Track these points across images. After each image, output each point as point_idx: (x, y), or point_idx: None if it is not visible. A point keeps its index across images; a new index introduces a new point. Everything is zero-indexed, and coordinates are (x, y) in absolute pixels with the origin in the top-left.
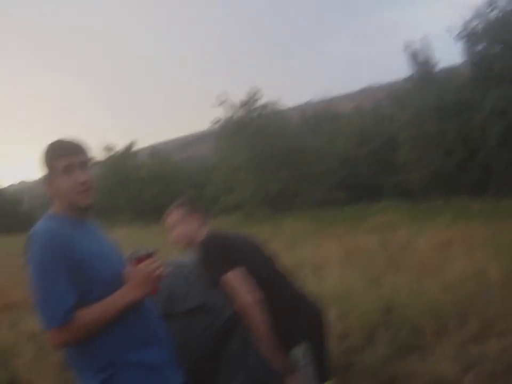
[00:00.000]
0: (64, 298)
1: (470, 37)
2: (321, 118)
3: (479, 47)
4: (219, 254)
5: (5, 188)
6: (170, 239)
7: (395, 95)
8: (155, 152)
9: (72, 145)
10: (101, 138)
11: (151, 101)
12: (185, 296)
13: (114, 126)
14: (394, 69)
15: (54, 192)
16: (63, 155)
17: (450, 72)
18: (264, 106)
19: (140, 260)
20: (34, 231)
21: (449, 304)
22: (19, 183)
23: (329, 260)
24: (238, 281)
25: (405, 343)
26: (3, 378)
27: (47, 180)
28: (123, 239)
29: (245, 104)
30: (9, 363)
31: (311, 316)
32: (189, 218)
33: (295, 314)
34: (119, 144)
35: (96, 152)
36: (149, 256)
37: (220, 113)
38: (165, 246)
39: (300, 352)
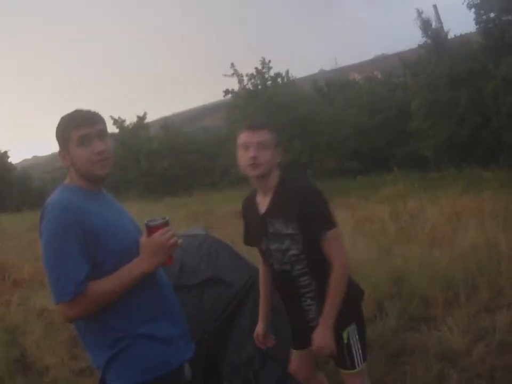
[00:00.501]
0: (76, 271)
1: (481, 5)
2: (333, 87)
3: (491, 15)
4: (328, 206)
5: (17, 163)
6: (253, 155)
7: (407, 63)
8: (167, 124)
9: (88, 115)
10: (111, 111)
11: (161, 73)
12: (197, 268)
13: (125, 99)
14: (406, 37)
15: (70, 163)
16: (79, 125)
17: (463, 40)
18: (276, 76)
19: (153, 229)
20: (48, 202)
21: (460, 275)
22: (32, 158)
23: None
24: (341, 239)
25: (415, 314)
26: (13, 355)
27: (63, 151)
28: (135, 214)
29: (256, 74)
30: (19, 340)
31: (360, 298)
32: (275, 149)
33: (350, 295)
34: (130, 117)
35: (107, 126)
36: (162, 225)
37: (231, 84)
38: (177, 219)
39: (352, 332)
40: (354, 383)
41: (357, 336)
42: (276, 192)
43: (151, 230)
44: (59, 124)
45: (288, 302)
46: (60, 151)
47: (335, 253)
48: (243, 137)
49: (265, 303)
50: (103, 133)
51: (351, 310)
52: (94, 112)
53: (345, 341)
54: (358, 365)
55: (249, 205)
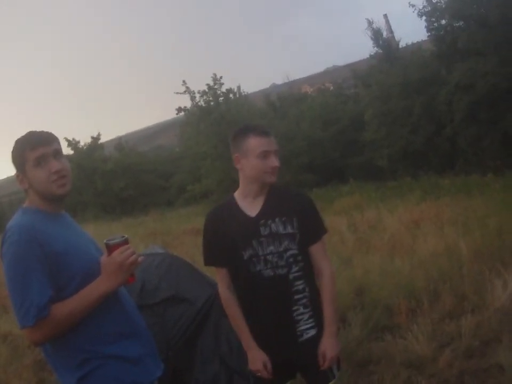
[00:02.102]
0: (39, 295)
1: (432, 12)
2: (286, 101)
3: (442, 22)
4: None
5: None
6: (277, 165)
7: (358, 74)
8: (121, 144)
9: (42, 136)
10: (65, 133)
11: (114, 93)
12: (158, 286)
13: (79, 120)
14: (357, 48)
15: (29, 185)
16: (34, 147)
17: (414, 48)
18: (228, 92)
19: (113, 248)
20: (9, 226)
21: (422, 282)
22: None
23: None
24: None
25: (379, 323)
26: None
27: (20, 174)
28: (93, 235)
29: (208, 90)
30: None
31: None
32: None
33: None
34: (84, 138)
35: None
36: (122, 243)
37: (184, 102)
38: (135, 238)
39: None
40: None
41: None
42: (270, 194)
43: (110, 248)
44: (14, 148)
45: (274, 317)
46: (17, 175)
47: (326, 257)
48: (261, 144)
49: (248, 330)
50: (58, 152)
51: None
52: (48, 132)
53: None
54: (336, 374)
55: (227, 214)
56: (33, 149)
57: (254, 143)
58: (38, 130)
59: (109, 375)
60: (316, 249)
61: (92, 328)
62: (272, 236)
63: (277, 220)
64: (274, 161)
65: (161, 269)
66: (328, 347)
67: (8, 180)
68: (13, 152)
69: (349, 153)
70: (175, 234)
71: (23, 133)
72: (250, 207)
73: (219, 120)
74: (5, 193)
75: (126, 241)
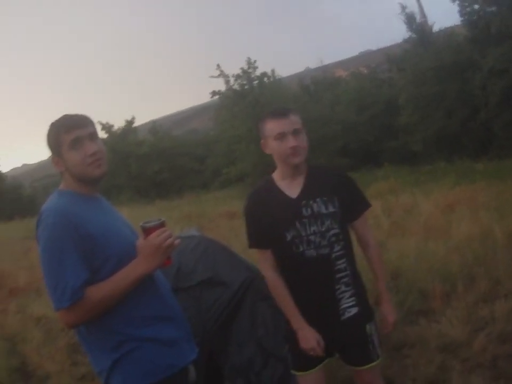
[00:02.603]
0: (74, 277)
1: None
2: (320, 85)
3: (475, 7)
4: None
5: (7, 172)
6: (295, 144)
7: (392, 58)
8: (155, 127)
9: (78, 119)
10: (100, 116)
11: (149, 77)
12: (194, 269)
13: (113, 104)
14: (390, 32)
15: (64, 168)
16: (70, 129)
17: (448, 33)
18: (262, 75)
19: (150, 230)
20: (44, 208)
21: (457, 267)
22: (22, 166)
23: None
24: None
25: (413, 307)
26: (13, 363)
27: (56, 156)
28: (127, 217)
29: (242, 74)
30: (19, 348)
31: None
32: (304, 132)
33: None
34: (119, 122)
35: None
36: (159, 226)
37: (218, 85)
38: (170, 221)
39: (373, 326)
40: (375, 375)
41: (375, 329)
42: (309, 174)
43: (147, 231)
44: (49, 131)
45: (317, 296)
46: (52, 158)
47: (370, 231)
48: (276, 127)
49: (296, 307)
50: (94, 134)
51: (370, 305)
52: (83, 115)
53: (369, 333)
54: (380, 354)
55: (268, 195)
56: (69, 131)
57: (270, 126)
58: (72, 113)
59: (144, 358)
60: (359, 223)
61: (127, 310)
62: (314, 216)
63: (318, 200)
64: (291, 141)
65: (197, 251)
66: (389, 312)
67: (40, 164)
68: (48, 135)
69: (383, 138)
70: (210, 217)
71: (58, 117)
72: (290, 188)
73: (253, 104)
74: (37, 177)
75: (162, 224)
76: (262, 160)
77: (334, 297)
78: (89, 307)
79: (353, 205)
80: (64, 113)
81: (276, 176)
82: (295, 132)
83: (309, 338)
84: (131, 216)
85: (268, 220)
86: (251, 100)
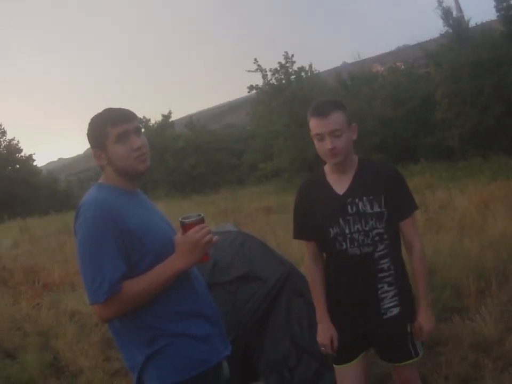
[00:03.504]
0: (112, 271)
1: None
2: (357, 80)
3: (511, 2)
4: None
5: (43, 166)
6: (331, 147)
7: (429, 53)
8: (192, 122)
9: (124, 112)
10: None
11: (185, 71)
12: (230, 265)
13: (150, 98)
14: (427, 27)
15: (107, 161)
16: (117, 122)
17: (484, 28)
18: (299, 70)
19: (188, 226)
20: (83, 201)
21: (491, 264)
22: (58, 160)
23: None
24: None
25: (447, 304)
26: (47, 359)
27: (99, 150)
28: (164, 212)
29: (280, 69)
30: (52, 343)
31: None
32: (349, 128)
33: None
34: (155, 117)
35: None
36: (198, 222)
37: (255, 80)
38: (206, 216)
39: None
40: (413, 371)
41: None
42: (357, 171)
43: (186, 227)
44: (93, 123)
45: (359, 294)
46: (95, 151)
47: (416, 232)
48: (315, 127)
49: (325, 304)
50: (139, 129)
51: (414, 306)
52: (128, 109)
53: (409, 331)
54: (420, 351)
55: (316, 188)
56: (116, 124)
57: (312, 124)
58: (117, 107)
59: (178, 353)
60: (405, 225)
61: (161, 306)
62: (359, 215)
63: (364, 198)
64: (327, 144)
65: (233, 247)
66: (425, 320)
67: (76, 159)
68: (91, 128)
69: (420, 133)
70: (247, 213)
71: (96, 112)
72: (338, 183)
73: (291, 99)
74: (73, 172)
75: (201, 220)
76: (299, 155)
77: (376, 296)
78: (125, 302)
79: (400, 206)
80: (108, 107)
81: (327, 168)
82: (334, 134)
83: (325, 333)
84: (167, 210)
85: (313, 214)
86: (288, 95)
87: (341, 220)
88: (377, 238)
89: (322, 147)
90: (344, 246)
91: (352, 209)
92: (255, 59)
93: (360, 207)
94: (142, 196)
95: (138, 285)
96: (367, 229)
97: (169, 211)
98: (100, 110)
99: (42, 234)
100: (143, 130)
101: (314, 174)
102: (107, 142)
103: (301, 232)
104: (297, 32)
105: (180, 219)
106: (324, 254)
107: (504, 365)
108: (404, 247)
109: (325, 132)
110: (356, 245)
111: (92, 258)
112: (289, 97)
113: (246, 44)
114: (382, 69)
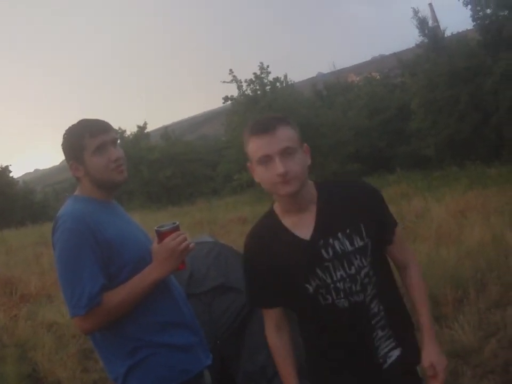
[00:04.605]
0: (91, 283)
1: (477, 1)
2: (332, 90)
3: (487, 11)
4: None
5: (19, 177)
6: (282, 171)
7: (405, 63)
8: (167, 133)
9: (101, 124)
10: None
11: (160, 82)
12: (206, 275)
13: (125, 109)
14: (402, 37)
15: (84, 173)
16: (95, 134)
17: (460, 37)
18: (274, 81)
19: (164, 234)
20: (60, 213)
21: (469, 272)
22: (34, 171)
23: None
24: None
25: None
26: (24, 370)
27: (75, 162)
28: (140, 224)
29: (255, 79)
30: (30, 355)
31: None
32: (302, 148)
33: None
34: (131, 128)
35: None
36: (173, 230)
37: (230, 91)
38: (182, 227)
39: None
40: None
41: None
42: (320, 203)
43: (161, 235)
44: (69, 135)
45: (352, 350)
46: (71, 163)
47: (408, 251)
48: (258, 148)
49: (297, 379)
50: (116, 140)
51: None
52: (104, 120)
53: (420, 375)
54: None
55: (272, 238)
56: (94, 136)
57: (252, 147)
58: (93, 118)
59: (160, 363)
60: (393, 247)
61: (142, 316)
62: (338, 258)
63: (339, 235)
64: (277, 167)
65: (210, 257)
66: (435, 355)
67: (52, 170)
68: (67, 140)
69: (395, 142)
70: (222, 223)
71: (70, 123)
72: (299, 225)
73: (266, 109)
74: (49, 183)
75: (177, 228)
76: None
77: (372, 346)
78: (105, 313)
79: (383, 229)
80: (85, 119)
81: (278, 210)
82: (285, 152)
83: None
84: (142, 222)
85: (277, 271)
86: (263, 105)
87: (318, 270)
88: (366, 281)
89: (270, 173)
90: (330, 299)
91: (328, 253)
92: (230, 70)
93: (337, 248)
94: (118, 207)
95: (118, 295)
96: (352, 272)
97: (144, 222)
98: (75, 121)
99: (19, 246)
100: (118, 141)
101: (265, 218)
102: (84, 154)
103: (261, 299)
104: (273, 43)
105: (155, 228)
106: (300, 317)
107: (483, 372)
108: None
109: (273, 151)
110: (342, 295)
111: (71, 271)
112: (264, 107)
113: (222, 54)
114: (358, 79)
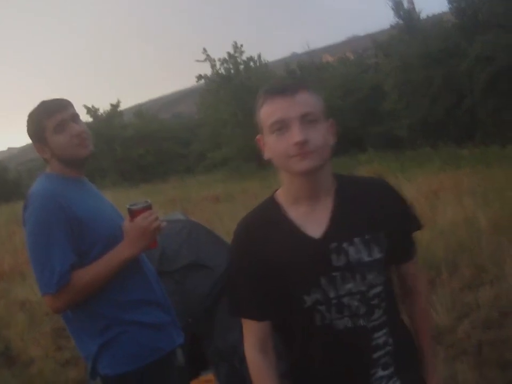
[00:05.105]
0: (61, 262)
1: None
2: (306, 70)
3: None
4: None
5: None
6: (302, 138)
7: (380, 44)
8: (141, 111)
9: (57, 102)
10: (85, 100)
11: (135, 60)
12: (178, 253)
13: (98, 87)
14: (377, 18)
15: (50, 154)
16: (52, 114)
17: (435, 20)
18: (248, 60)
19: (136, 213)
20: (31, 191)
21: (441, 253)
22: (7, 150)
23: None
24: None
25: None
26: None
27: (40, 144)
28: (112, 201)
29: (228, 58)
30: (3, 333)
31: None
32: (326, 121)
33: None
34: (104, 106)
35: (80, 115)
36: (145, 209)
37: (204, 69)
38: (154, 205)
39: None
40: None
41: None
42: (340, 198)
43: (133, 213)
44: (30, 120)
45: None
46: (37, 146)
47: (422, 275)
48: (273, 112)
49: None
50: (75, 115)
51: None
52: (61, 98)
53: None
54: None
55: (271, 232)
56: (51, 116)
57: (265, 111)
58: (51, 98)
59: (132, 341)
60: (408, 265)
61: (113, 294)
62: (351, 269)
63: (356, 240)
64: (294, 135)
65: (181, 235)
66: None
67: (26, 148)
68: (29, 124)
69: (368, 123)
70: (195, 201)
71: (35, 105)
72: (309, 219)
73: (239, 88)
74: (23, 161)
75: (149, 207)
76: (247, 144)
77: None
78: (76, 291)
79: (405, 243)
80: (42, 100)
81: (283, 196)
82: (305, 120)
83: None
84: (115, 199)
85: (271, 274)
86: (237, 84)
87: (323, 280)
88: (375, 302)
89: (285, 143)
90: (328, 319)
91: (339, 260)
92: (204, 49)
93: (351, 256)
94: (89, 184)
95: (88, 274)
96: (363, 289)
97: (117, 200)
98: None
99: None
100: (91, 120)
101: (264, 207)
102: (46, 135)
103: (247, 307)
104: (247, 22)
105: (127, 206)
106: (287, 336)
107: (456, 353)
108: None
109: (291, 116)
110: (346, 314)
111: (41, 249)
112: (237, 86)
113: (196, 33)
114: (332, 59)
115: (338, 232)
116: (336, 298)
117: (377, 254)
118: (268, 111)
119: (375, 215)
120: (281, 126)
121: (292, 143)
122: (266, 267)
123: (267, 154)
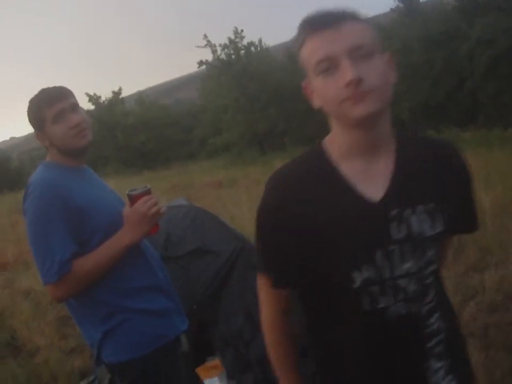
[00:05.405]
0: (62, 251)
1: None
2: None
3: None
4: None
5: None
6: (354, 76)
7: (380, 27)
8: (142, 98)
9: (57, 91)
10: (87, 88)
11: (135, 47)
12: (182, 239)
13: (100, 75)
14: (378, 2)
15: (49, 142)
16: (51, 103)
17: (436, 3)
18: (249, 45)
19: (135, 198)
20: (31, 181)
21: None
22: (10, 139)
23: None
24: None
25: None
26: (2, 338)
27: (40, 133)
28: (114, 189)
29: (229, 44)
30: (8, 323)
31: None
32: (383, 53)
33: None
34: (105, 93)
35: (82, 103)
36: (144, 194)
37: (205, 55)
38: (157, 192)
39: None
40: None
41: None
42: (403, 155)
43: (133, 199)
44: (30, 107)
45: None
46: (36, 134)
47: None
48: (317, 49)
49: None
50: (75, 105)
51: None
52: (61, 87)
53: None
54: None
55: (315, 187)
56: (50, 105)
57: (307, 49)
58: (51, 87)
59: (135, 329)
60: (449, 241)
61: (116, 282)
62: (412, 242)
63: (420, 208)
64: (346, 72)
65: (186, 221)
66: None
67: (28, 137)
68: (29, 112)
69: None
70: (198, 187)
71: (36, 93)
72: (365, 178)
73: (240, 73)
74: (25, 150)
75: (148, 191)
76: (248, 129)
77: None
78: (77, 280)
79: (466, 215)
80: (42, 88)
81: (334, 148)
82: (356, 54)
83: None
84: (117, 187)
85: (313, 241)
86: (238, 69)
87: (378, 254)
88: (430, 282)
89: (335, 85)
90: (382, 303)
91: (399, 230)
92: (205, 34)
93: (413, 226)
94: (90, 172)
95: (89, 262)
96: (422, 264)
97: (119, 187)
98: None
99: None
100: (93, 107)
101: (310, 156)
102: (45, 124)
103: (283, 276)
104: (248, 7)
105: (127, 192)
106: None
107: (463, 335)
108: None
109: (338, 50)
110: (401, 298)
111: (41, 238)
112: (238, 71)
113: (196, 18)
114: None
115: (400, 196)
116: (391, 278)
117: (440, 227)
118: (310, 49)
119: (442, 180)
120: (328, 65)
121: (342, 84)
122: (307, 232)
123: (316, 102)
